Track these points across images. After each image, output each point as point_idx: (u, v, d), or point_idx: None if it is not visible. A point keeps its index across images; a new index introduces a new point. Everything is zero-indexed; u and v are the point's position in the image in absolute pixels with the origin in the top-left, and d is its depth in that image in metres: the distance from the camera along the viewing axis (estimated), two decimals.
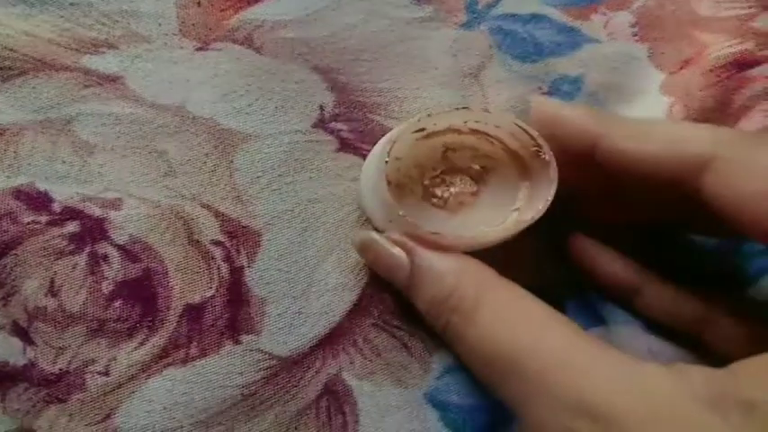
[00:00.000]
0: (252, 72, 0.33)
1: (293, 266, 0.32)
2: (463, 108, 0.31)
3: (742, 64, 0.36)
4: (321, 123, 0.34)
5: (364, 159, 0.34)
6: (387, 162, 0.29)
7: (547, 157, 0.30)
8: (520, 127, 0.30)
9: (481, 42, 0.36)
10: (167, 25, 0.33)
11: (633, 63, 0.37)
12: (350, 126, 0.34)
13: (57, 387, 0.30)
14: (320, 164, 0.33)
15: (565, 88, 0.36)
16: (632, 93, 0.37)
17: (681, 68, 0.37)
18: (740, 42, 0.36)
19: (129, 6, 0.33)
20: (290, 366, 0.32)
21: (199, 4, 0.33)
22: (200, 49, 0.33)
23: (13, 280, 0.31)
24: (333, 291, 0.33)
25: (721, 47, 0.36)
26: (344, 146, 0.34)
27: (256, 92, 0.33)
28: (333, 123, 0.34)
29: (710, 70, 0.36)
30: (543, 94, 0.36)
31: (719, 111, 0.36)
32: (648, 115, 0.36)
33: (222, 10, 0.33)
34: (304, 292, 0.32)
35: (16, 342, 0.30)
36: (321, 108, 0.34)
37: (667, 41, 0.37)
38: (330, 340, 0.32)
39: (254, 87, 0.33)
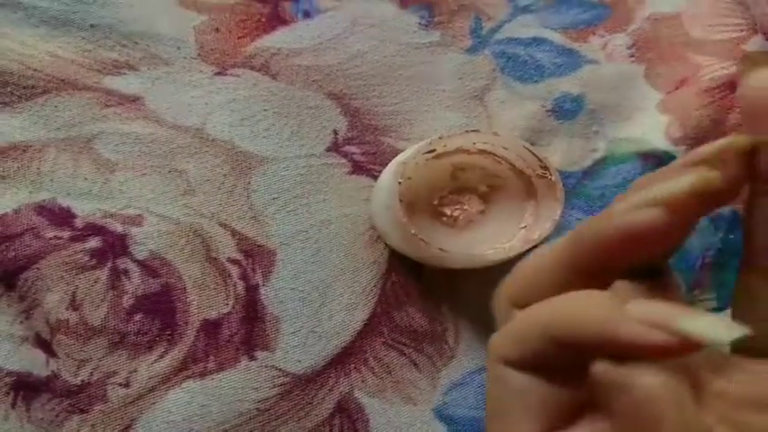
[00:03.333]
0: (268, 98, 0.34)
1: (307, 286, 0.34)
2: (473, 131, 0.32)
3: (735, 85, 0.37)
4: (335, 147, 0.35)
5: (376, 181, 0.35)
6: (400, 183, 0.30)
7: (553, 179, 0.31)
8: (528, 150, 0.32)
9: (485, 66, 0.37)
10: (186, 49, 0.34)
11: (630, 83, 0.38)
12: (362, 149, 0.35)
13: (79, 398, 0.31)
14: (334, 186, 0.35)
15: (567, 106, 0.37)
16: (630, 111, 0.38)
17: (676, 88, 0.38)
18: (733, 64, 0.38)
19: (148, 29, 0.34)
20: (303, 384, 0.33)
21: (217, 30, 0.34)
22: (218, 73, 0.34)
23: (35, 293, 0.31)
24: (345, 310, 0.34)
25: (716, 68, 0.38)
26: (357, 168, 0.35)
27: (273, 117, 0.34)
28: (346, 147, 0.35)
29: (705, 90, 0.37)
30: (547, 111, 0.37)
31: (714, 129, 0.37)
32: (647, 133, 0.37)
33: (240, 37, 0.34)
34: (317, 311, 0.33)
35: (39, 354, 0.31)
36: (335, 132, 0.35)
37: (662, 62, 0.38)
38: (342, 359, 0.34)
39: (271, 112, 0.34)
